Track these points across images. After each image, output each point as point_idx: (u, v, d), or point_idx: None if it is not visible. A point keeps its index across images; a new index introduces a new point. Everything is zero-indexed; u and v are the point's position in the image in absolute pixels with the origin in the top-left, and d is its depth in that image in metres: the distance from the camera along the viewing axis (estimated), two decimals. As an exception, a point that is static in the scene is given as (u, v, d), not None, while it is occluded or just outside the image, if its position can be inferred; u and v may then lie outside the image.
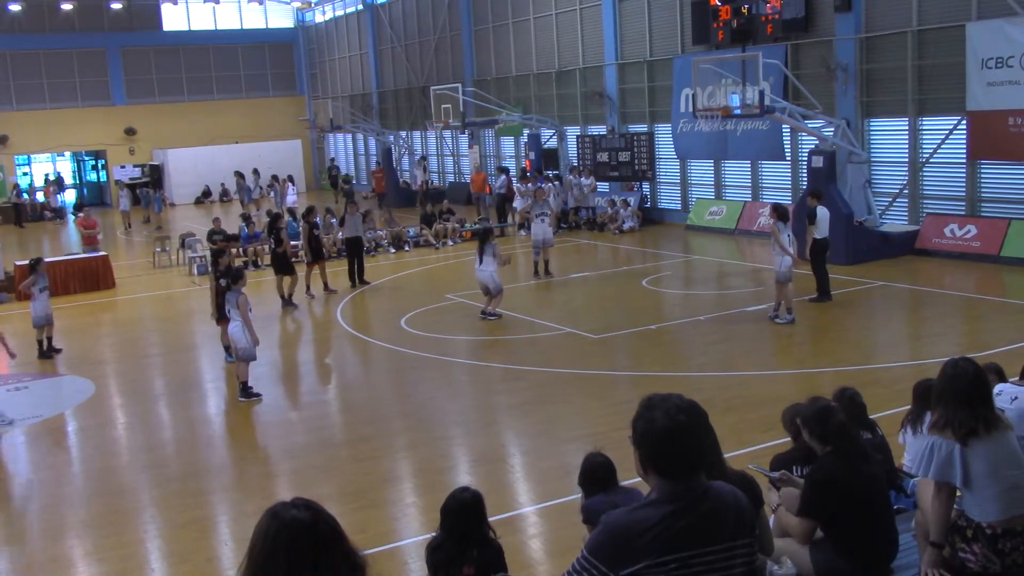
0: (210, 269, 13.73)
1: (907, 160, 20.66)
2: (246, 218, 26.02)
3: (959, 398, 4.76)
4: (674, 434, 3.07)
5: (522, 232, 25.81)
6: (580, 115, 30.06)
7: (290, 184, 35.65)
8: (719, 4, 23.38)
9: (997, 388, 5.85)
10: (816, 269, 16.13)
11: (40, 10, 42.68)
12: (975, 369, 4.90)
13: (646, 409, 3.14)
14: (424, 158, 37.88)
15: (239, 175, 38.74)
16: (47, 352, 15.57)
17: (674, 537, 3.04)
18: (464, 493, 5.36)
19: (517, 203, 27.20)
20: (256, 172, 39.66)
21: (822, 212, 16.10)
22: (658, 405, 3.12)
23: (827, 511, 5.18)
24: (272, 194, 36.92)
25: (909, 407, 6.59)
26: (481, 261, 16.08)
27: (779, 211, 15.23)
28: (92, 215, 25.62)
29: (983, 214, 19.42)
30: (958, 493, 4.88)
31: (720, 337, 14.51)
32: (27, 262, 17.41)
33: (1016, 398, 5.87)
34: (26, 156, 45.02)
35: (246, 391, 12.37)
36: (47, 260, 22.40)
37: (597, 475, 5.46)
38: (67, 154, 46.58)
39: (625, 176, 27.50)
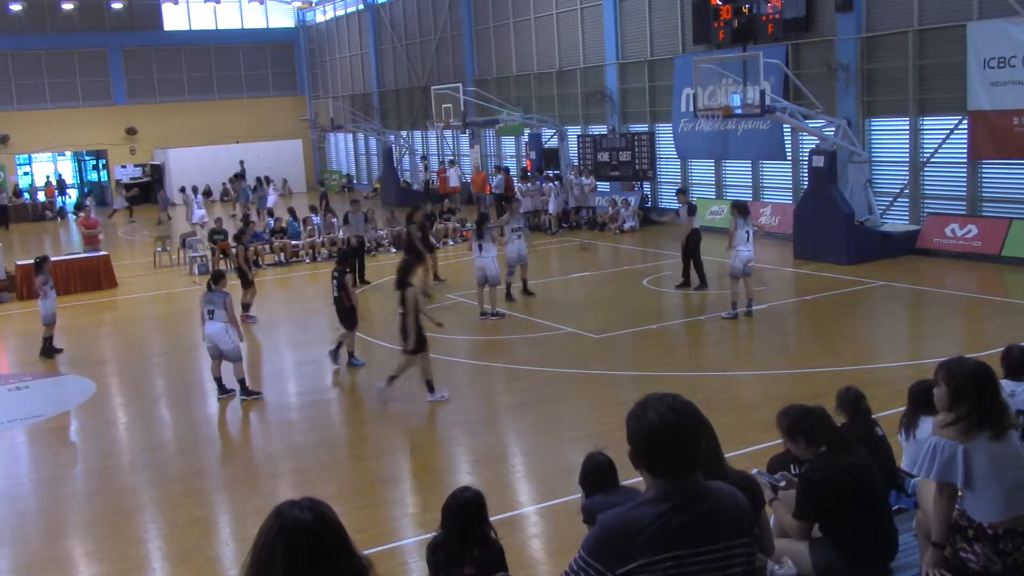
0: (337, 280, 13.71)
1: (908, 160, 20.65)
2: (245, 219, 26.01)
3: (982, 394, 4.71)
4: (661, 433, 3.06)
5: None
6: (581, 115, 30.05)
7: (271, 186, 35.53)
8: (720, 4, 23.36)
9: None
10: (686, 257, 17.58)
11: (41, 10, 42.70)
12: (986, 368, 4.88)
13: (639, 406, 3.14)
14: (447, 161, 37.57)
15: (239, 176, 38.87)
16: (47, 351, 15.57)
17: (670, 536, 3.03)
18: (465, 492, 5.36)
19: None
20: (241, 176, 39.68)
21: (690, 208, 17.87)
22: (651, 403, 3.11)
23: (821, 513, 5.18)
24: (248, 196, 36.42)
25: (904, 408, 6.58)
26: (481, 249, 16.04)
27: (737, 206, 15.48)
28: (93, 215, 25.65)
29: (984, 214, 19.41)
30: (960, 493, 4.86)
31: (720, 337, 14.51)
32: (32, 261, 17.38)
33: (1012, 394, 5.86)
34: (27, 156, 45.04)
35: (245, 389, 12.38)
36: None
37: (598, 475, 5.45)
38: (68, 154, 46.61)
39: (626, 176, 27.50)
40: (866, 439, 6.15)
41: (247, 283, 17.26)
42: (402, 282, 11.69)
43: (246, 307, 17.16)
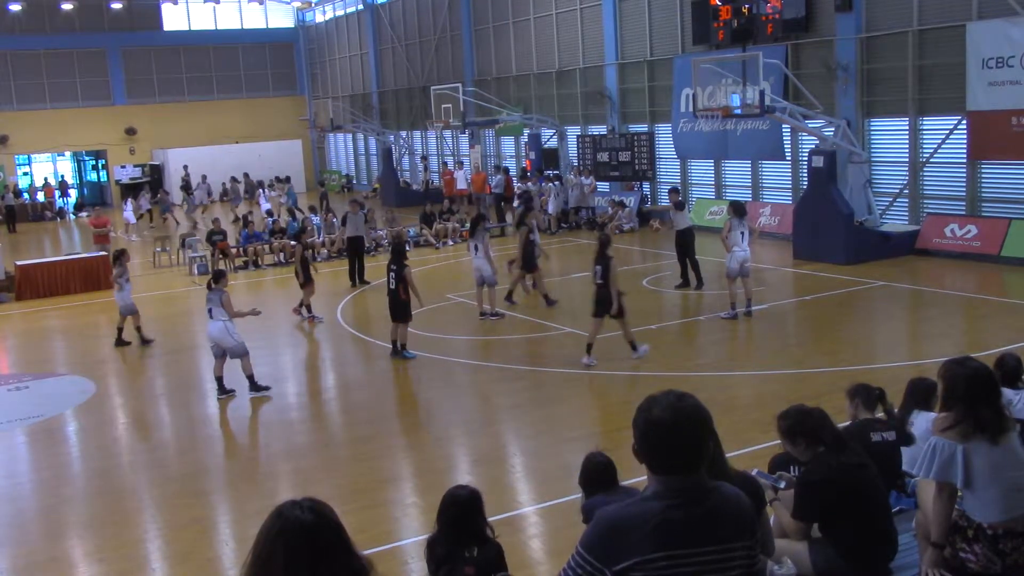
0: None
1: (907, 160, 20.66)
2: (244, 219, 26.03)
3: (974, 398, 4.71)
4: (659, 429, 3.05)
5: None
6: (580, 115, 30.06)
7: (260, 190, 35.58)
8: (719, 4, 23.37)
9: None
10: (680, 258, 17.92)
11: (41, 10, 42.66)
12: (986, 369, 4.87)
13: (647, 401, 3.14)
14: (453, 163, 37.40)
15: (234, 179, 38.93)
16: (122, 341, 15.76)
17: (667, 534, 3.02)
18: (459, 490, 5.36)
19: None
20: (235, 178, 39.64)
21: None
22: (658, 400, 3.11)
23: (819, 513, 5.18)
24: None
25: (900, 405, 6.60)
26: (476, 249, 16.03)
27: (734, 206, 15.59)
28: (102, 214, 25.70)
29: (983, 214, 19.41)
30: (959, 493, 4.86)
31: (720, 337, 14.51)
32: (112, 253, 18.02)
33: (1011, 403, 5.86)
34: (26, 156, 45.01)
35: (254, 384, 12.41)
36: (47, 260, 22.55)
37: (598, 475, 5.45)
38: (67, 154, 46.56)
39: (625, 176, 27.50)
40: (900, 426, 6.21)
41: (306, 282, 17.05)
42: (604, 255, 12.80)
43: (308, 308, 17.08)
